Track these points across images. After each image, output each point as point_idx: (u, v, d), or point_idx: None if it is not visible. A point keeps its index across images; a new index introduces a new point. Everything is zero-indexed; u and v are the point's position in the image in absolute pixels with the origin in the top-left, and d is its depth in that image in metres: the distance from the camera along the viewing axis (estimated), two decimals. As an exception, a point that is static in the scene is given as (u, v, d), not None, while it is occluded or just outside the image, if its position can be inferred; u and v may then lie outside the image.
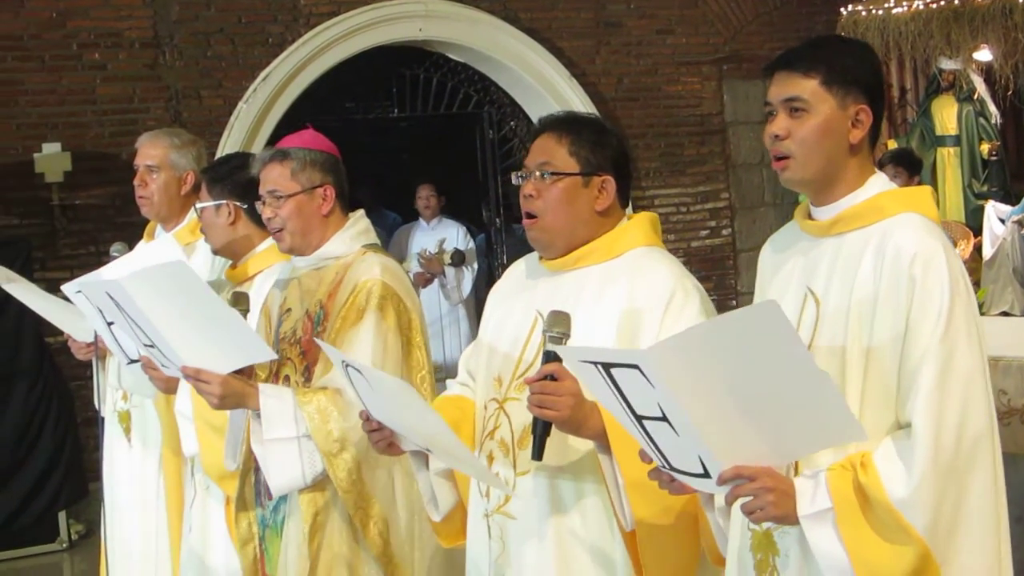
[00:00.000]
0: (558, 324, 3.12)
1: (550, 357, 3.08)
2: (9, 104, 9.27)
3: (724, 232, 11.99)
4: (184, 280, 3.74)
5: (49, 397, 8.64)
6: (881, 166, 9.88)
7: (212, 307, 3.76)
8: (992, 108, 12.26)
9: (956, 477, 2.68)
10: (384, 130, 13.94)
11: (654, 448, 2.73)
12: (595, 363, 2.66)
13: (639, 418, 2.67)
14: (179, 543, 4.78)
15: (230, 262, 4.71)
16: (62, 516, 8.72)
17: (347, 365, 3.32)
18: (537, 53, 11.01)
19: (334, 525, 3.97)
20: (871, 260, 2.80)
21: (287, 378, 4.08)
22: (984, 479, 2.72)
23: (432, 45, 10.95)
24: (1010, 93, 11.41)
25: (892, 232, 2.80)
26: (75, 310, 4.58)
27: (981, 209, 11.75)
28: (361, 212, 4.23)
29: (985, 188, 12.23)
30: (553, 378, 3.03)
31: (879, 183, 2.93)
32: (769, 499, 2.67)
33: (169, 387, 4.35)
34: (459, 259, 10.96)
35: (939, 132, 12.49)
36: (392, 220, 12.36)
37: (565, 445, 3.25)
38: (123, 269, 4.54)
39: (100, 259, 8.22)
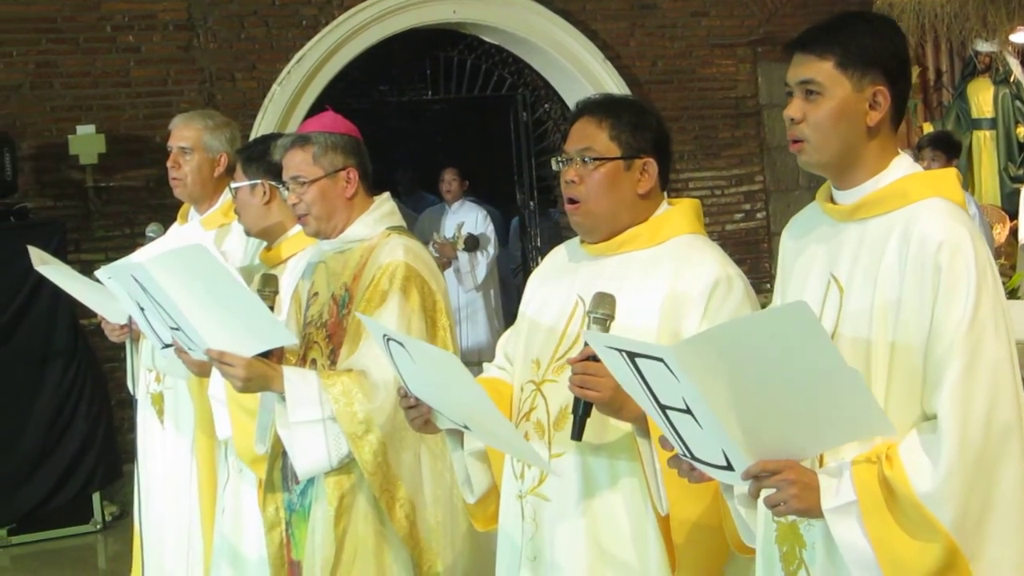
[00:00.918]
0: (603, 305, 3.11)
1: None
2: (44, 86, 9.32)
3: (759, 215, 11.95)
4: (205, 263, 3.74)
5: (83, 379, 8.67)
6: (919, 149, 9.88)
7: (233, 290, 3.75)
8: (1029, 90, 12.20)
9: (984, 470, 2.63)
10: (418, 113, 13.95)
11: (676, 437, 2.72)
12: (620, 350, 2.64)
13: (663, 407, 2.65)
14: (211, 525, 4.79)
15: (264, 244, 4.71)
16: (96, 498, 8.78)
17: (388, 339, 3.30)
18: (571, 35, 10.98)
19: (360, 508, 3.97)
20: (895, 248, 2.75)
21: (314, 361, 4.08)
22: (1014, 471, 2.67)
23: (466, 27, 10.93)
24: (1047, 75, 11.35)
25: (917, 219, 2.75)
26: (108, 292, 4.58)
27: (1017, 192, 11.63)
28: (387, 194, 4.22)
29: (1021, 171, 12.15)
30: (596, 359, 3.01)
31: (903, 165, 2.87)
32: (792, 492, 2.64)
33: (203, 370, 4.34)
34: (472, 244, 10.90)
35: (975, 115, 12.41)
36: (430, 202, 12.36)
37: (602, 427, 3.24)
38: (153, 252, 4.54)
39: (134, 241, 8.28)
